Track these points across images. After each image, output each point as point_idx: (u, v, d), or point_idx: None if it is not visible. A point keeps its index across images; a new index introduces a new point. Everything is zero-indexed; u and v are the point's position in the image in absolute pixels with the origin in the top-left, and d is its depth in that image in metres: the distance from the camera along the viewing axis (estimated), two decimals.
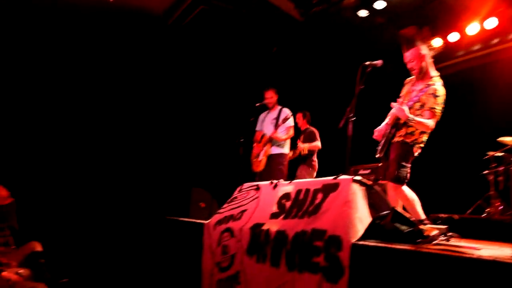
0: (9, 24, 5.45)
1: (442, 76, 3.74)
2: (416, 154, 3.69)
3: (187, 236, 4.22)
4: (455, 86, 6.83)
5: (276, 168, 5.44)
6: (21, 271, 3.53)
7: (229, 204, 3.91)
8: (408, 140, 3.65)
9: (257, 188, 3.74)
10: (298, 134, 6.30)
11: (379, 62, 3.82)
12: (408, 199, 3.53)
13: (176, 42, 6.84)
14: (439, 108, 3.54)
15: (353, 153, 3.73)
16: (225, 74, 7.34)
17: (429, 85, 3.58)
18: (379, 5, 6.26)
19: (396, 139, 3.73)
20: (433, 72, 3.73)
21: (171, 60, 6.89)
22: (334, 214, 2.69)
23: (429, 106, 3.54)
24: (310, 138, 6.09)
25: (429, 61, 3.73)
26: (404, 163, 3.60)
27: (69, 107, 5.93)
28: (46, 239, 4.30)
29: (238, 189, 4.05)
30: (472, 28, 6.32)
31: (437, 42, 6.88)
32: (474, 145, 6.23)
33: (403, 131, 3.69)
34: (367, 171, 6.06)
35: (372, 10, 6.39)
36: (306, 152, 5.95)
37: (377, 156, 3.79)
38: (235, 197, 3.94)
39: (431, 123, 3.51)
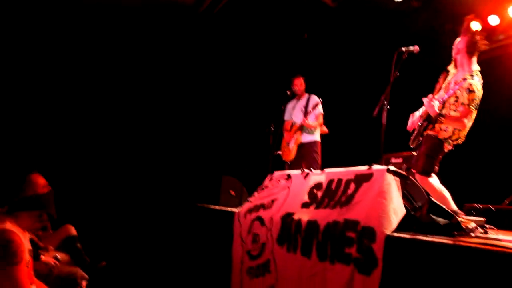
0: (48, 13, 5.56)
1: (481, 61, 3.57)
2: (446, 150, 3.59)
3: (218, 224, 4.24)
4: (494, 70, 6.57)
5: (310, 157, 5.37)
6: (58, 255, 3.64)
7: (260, 193, 3.90)
8: (440, 137, 3.53)
9: (288, 177, 3.71)
10: None
11: (415, 48, 3.69)
12: (436, 190, 3.42)
13: (208, 30, 6.82)
14: (473, 105, 3.39)
15: (385, 141, 3.65)
16: (255, 61, 7.28)
17: (465, 79, 3.45)
18: None
19: (429, 132, 3.61)
20: (474, 66, 3.56)
21: (203, 49, 6.88)
22: (368, 205, 2.63)
23: (462, 101, 3.43)
24: None
25: (473, 54, 3.57)
26: (432, 156, 3.52)
27: (102, 96, 6.04)
28: (81, 225, 4.44)
29: (268, 177, 4.03)
30: None
31: (475, 26, 6.59)
32: None
33: (437, 127, 3.57)
34: (399, 160, 5.90)
35: None
36: None
37: (410, 145, 3.69)
38: (266, 186, 3.92)
39: (466, 120, 3.39)
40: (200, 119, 6.87)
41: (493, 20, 6.35)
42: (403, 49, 3.73)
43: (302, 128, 5.52)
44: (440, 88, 3.81)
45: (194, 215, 4.98)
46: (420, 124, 3.68)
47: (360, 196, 2.77)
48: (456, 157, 4.11)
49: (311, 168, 3.57)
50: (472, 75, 3.48)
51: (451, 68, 3.78)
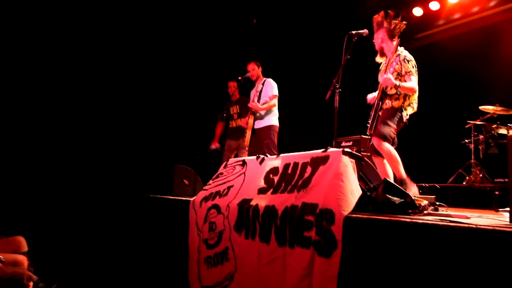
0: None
1: (423, 46, 3.79)
2: (405, 119, 3.68)
3: (172, 214, 4.12)
4: (436, 55, 6.85)
5: (263, 143, 5.21)
6: (1, 256, 3.38)
7: (215, 180, 3.81)
8: (395, 106, 3.64)
9: (243, 164, 3.64)
10: None
11: (365, 31, 3.74)
12: (392, 156, 3.53)
13: (154, 13, 6.54)
14: (414, 69, 3.67)
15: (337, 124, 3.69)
16: (203, 48, 7.10)
17: (398, 55, 3.71)
18: None
19: (384, 107, 3.71)
20: (399, 48, 3.78)
21: (149, 35, 6.60)
22: (325, 188, 2.61)
23: (405, 70, 3.66)
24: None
25: (395, 38, 3.84)
26: (389, 123, 3.61)
27: (42, 84, 5.65)
28: (29, 227, 4.16)
29: (223, 164, 3.95)
30: None
31: (417, 12, 6.83)
32: (456, 114, 6.26)
33: (387, 100, 3.70)
34: (349, 143, 6.03)
35: None
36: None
37: (368, 133, 3.74)
38: (221, 173, 3.84)
39: (414, 83, 3.64)
40: (149, 108, 6.62)
41: (434, 5, 6.59)
42: (353, 32, 3.76)
43: (254, 113, 5.43)
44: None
45: (147, 207, 4.81)
46: (376, 105, 3.73)
47: (317, 179, 2.76)
48: (405, 138, 4.24)
49: (266, 154, 3.52)
50: (400, 51, 3.76)
51: (378, 58, 3.97)
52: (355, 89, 4.89)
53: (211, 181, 3.85)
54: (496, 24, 6.45)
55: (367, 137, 5.79)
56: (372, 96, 4.00)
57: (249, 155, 5.12)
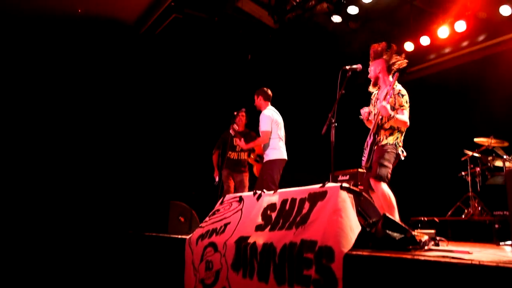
0: None
1: (416, 79, 3.86)
2: (402, 156, 3.74)
3: (167, 253, 4.04)
4: (429, 88, 6.98)
5: (260, 179, 5.08)
6: None
7: (211, 217, 3.76)
8: (391, 142, 3.68)
9: (240, 200, 3.61)
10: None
11: (358, 67, 3.81)
12: (386, 197, 3.53)
13: (150, 51, 6.67)
14: (407, 105, 3.71)
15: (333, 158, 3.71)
16: (200, 83, 7.20)
17: (393, 88, 3.74)
18: (352, 10, 6.29)
19: (380, 143, 3.74)
20: (392, 79, 3.84)
21: (145, 70, 6.71)
22: (324, 224, 2.59)
23: (399, 104, 3.70)
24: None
25: (386, 71, 3.91)
26: (385, 163, 3.62)
27: (38, 117, 5.69)
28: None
29: (219, 201, 3.91)
30: (443, 32, 6.41)
31: (408, 47, 6.99)
32: (451, 147, 6.31)
33: (383, 135, 3.73)
34: (346, 177, 6.04)
35: (345, 16, 6.42)
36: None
37: (364, 166, 3.76)
38: (217, 210, 3.80)
39: (406, 118, 3.67)
40: (144, 143, 6.62)
41: (425, 40, 6.76)
42: (347, 67, 3.83)
43: (252, 151, 5.41)
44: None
45: (141, 245, 4.71)
46: (370, 141, 3.77)
47: (316, 215, 2.73)
48: (402, 171, 4.25)
49: (264, 189, 3.50)
50: (392, 84, 3.77)
51: (371, 88, 4.01)
52: (350, 123, 4.93)
53: (207, 218, 3.80)
54: (486, 58, 6.62)
55: (363, 170, 5.80)
56: (365, 111, 3.99)
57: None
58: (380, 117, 3.75)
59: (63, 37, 5.93)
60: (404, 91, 3.76)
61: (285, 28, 6.83)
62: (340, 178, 6.03)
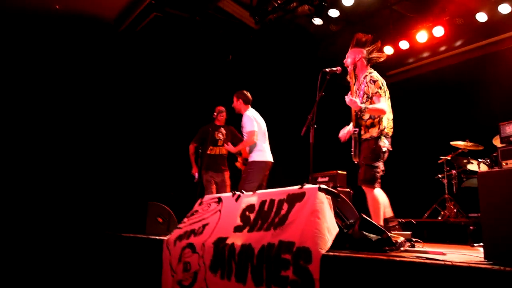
0: None
1: (395, 82, 3.90)
2: (384, 149, 3.64)
3: (145, 254, 4.00)
4: (408, 91, 7.12)
5: (241, 179, 5.04)
6: None
7: (190, 218, 3.74)
8: (374, 134, 3.65)
9: (219, 201, 3.61)
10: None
11: (338, 69, 3.84)
12: (373, 202, 3.54)
13: (129, 49, 6.60)
14: (382, 90, 3.68)
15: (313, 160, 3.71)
16: (179, 82, 7.16)
17: (365, 76, 3.78)
18: (333, 13, 6.36)
19: (363, 137, 3.74)
20: (367, 68, 3.88)
21: (124, 68, 6.63)
22: (302, 225, 2.61)
23: (372, 92, 3.69)
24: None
25: (364, 61, 3.90)
26: (373, 164, 3.61)
27: (17, 116, 5.58)
28: None
29: (198, 202, 3.90)
30: (422, 36, 6.54)
31: (387, 51, 7.10)
32: (428, 149, 6.44)
33: (363, 126, 3.74)
34: (325, 179, 6.09)
35: (326, 18, 6.48)
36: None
37: (355, 161, 3.77)
38: (196, 211, 3.78)
39: (382, 105, 3.64)
40: (121, 143, 6.55)
41: (404, 45, 6.89)
42: (327, 70, 3.86)
43: (239, 154, 5.38)
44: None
45: (118, 246, 4.66)
46: (355, 134, 3.78)
47: (294, 216, 2.75)
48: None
49: (243, 190, 3.51)
50: (370, 72, 3.82)
51: (349, 78, 4.00)
52: (330, 125, 4.98)
53: (185, 219, 3.78)
54: (463, 63, 6.79)
55: (343, 172, 5.87)
56: (343, 133, 4.03)
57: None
58: (353, 110, 3.77)
59: (39, 34, 5.81)
60: (376, 76, 3.73)
61: (266, 29, 6.85)
62: (319, 179, 6.08)
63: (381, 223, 3.52)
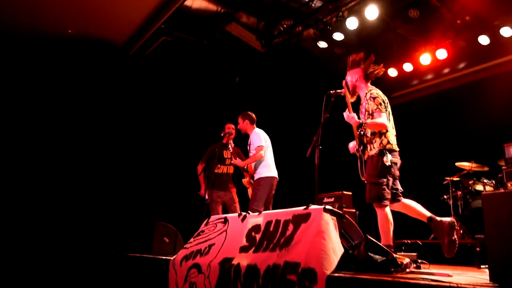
0: None
1: (399, 104, 3.90)
2: (388, 163, 3.53)
3: (151, 274, 3.98)
4: (412, 113, 7.13)
5: (251, 197, 5.05)
6: None
7: (196, 238, 3.74)
8: (377, 150, 3.60)
9: (225, 221, 3.61)
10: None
11: (343, 91, 3.87)
12: (382, 221, 3.48)
13: (139, 72, 6.71)
14: (382, 107, 3.64)
15: (318, 181, 3.70)
16: (187, 104, 7.24)
17: (365, 94, 3.78)
18: (338, 36, 6.44)
19: (367, 154, 3.72)
20: (367, 86, 3.87)
21: (133, 91, 6.74)
22: (307, 246, 2.60)
23: (372, 108, 3.66)
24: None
25: (363, 80, 3.90)
26: (376, 180, 3.53)
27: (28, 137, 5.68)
28: None
29: (204, 222, 3.90)
30: (425, 59, 6.59)
31: (391, 73, 7.15)
32: (433, 170, 6.40)
33: (367, 143, 3.72)
34: (331, 199, 6.06)
35: (331, 41, 6.57)
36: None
37: (363, 180, 3.75)
38: (202, 231, 3.78)
39: (381, 119, 3.58)
40: (130, 161, 6.59)
41: (407, 67, 6.94)
42: (331, 92, 3.89)
43: (245, 170, 5.37)
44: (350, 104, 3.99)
45: (124, 266, 4.64)
46: (359, 152, 3.78)
47: (299, 237, 2.74)
48: None
49: (249, 211, 3.51)
50: (370, 90, 3.79)
51: (351, 99, 4.00)
52: (335, 146, 4.99)
53: (192, 239, 3.78)
54: (466, 84, 6.82)
55: (348, 193, 5.85)
56: (353, 144, 4.01)
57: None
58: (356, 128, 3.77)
59: (52, 57, 5.97)
60: (376, 93, 3.72)
61: (272, 52, 6.97)
62: (325, 200, 6.05)
63: (391, 242, 3.47)
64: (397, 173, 3.66)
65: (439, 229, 3.49)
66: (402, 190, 3.70)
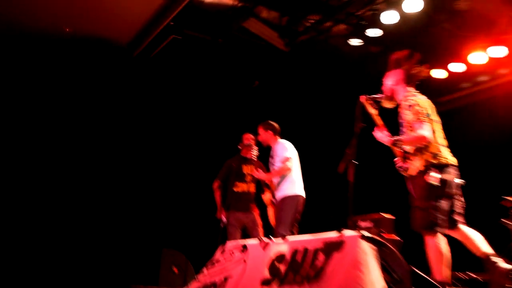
0: None
1: (447, 110, 3.79)
2: (435, 183, 3.38)
3: None
4: (463, 121, 6.99)
5: (276, 218, 4.97)
6: None
7: (210, 268, 3.73)
8: (420, 168, 3.49)
9: (244, 249, 3.58)
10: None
11: (380, 96, 3.80)
12: (434, 253, 3.34)
13: (144, 74, 6.79)
14: (422, 116, 3.51)
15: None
16: (199, 112, 7.28)
17: (404, 104, 3.67)
18: (373, 32, 6.38)
19: (409, 173, 3.63)
20: (408, 91, 3.76)
21: (137, 98, 6.82)
22: (341, 280, 2.55)
23: (411, 119, 3.54)
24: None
25: (404, 83, 3.79)
26: (422, 204, 3.41)
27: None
28: None
29: (220, 249, 3.88)
30: (478, 58, 6.47)
31: (439, 74, 7.03)
32: (487, 189, 6.24)
33: (409, 160, 3.61)
34: (368, 224, 5.93)
35: (365, 38, 6.51)
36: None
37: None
38: (217, 260, 3.77)
39: (422, 131, 3.44)
40: (133, 176, 6.65)
41: (457, 67, 6.83)
42: (367, 96, 3.83)
43: (267, 185, 5.30)
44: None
45: None
46: (401, 171, 3.69)
47: (332, 269, 2.70)
48: None
49: (271, 236, 3.47)
50: (406, 96, 3.68)
51: (387, 104, 3.90)
52: (373, 160, 4.92)
53: (205, 270, 3.77)
54: None
55: (389, 216, 5.71)
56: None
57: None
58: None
59: (48, 58, 6.14)
60: (413, 100, 3.59)
61: (297, 52, 6.94)
62: (360, 223, 5.94)
63: (445, 277, 3.34)
64: (453, 192, 3.52)
65: (494, 274, 3.34)
66: (461, 213, 3.57)
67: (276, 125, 5.37)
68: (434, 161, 3.49)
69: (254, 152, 5.41)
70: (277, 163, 5.08)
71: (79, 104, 6.38)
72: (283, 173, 5.00)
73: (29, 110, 6.04)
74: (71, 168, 6.18)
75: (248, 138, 5.64)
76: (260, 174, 5.18)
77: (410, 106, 3.58)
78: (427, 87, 3.96)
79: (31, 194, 5.79)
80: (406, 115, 3.62)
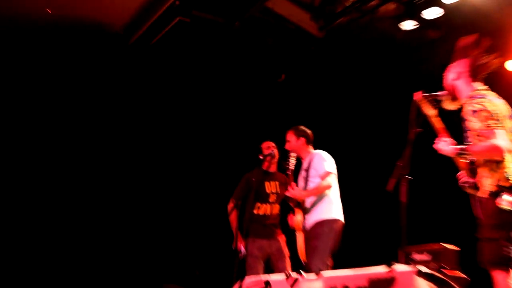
0: None
1: None
2: (506, 207, 3.34)
3: None
4: None
5: (308, 248, 4.95)
6: None
7: None
8: (490, 189, 3.48)
9: (267, 286, 3.58)
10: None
11: (442, 93, 3.78)
12: None
13: (142, 67, 6.87)
14: (491, 122, 3.45)
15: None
16: (211, 113, 7.33)
17: (467, 108, 3.61)
18: (432, 13, 6.34)
19: (480, 193, 3.58)
20: (475, 86, 3.72)
21: (134, 94, 6.91)
22: None
23: (478, 127, 3.49)
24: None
25: (477, 78, 3.75)
26: (493, 235, 3.36)
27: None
28: None
29: (236, 286, 3.89)
30: None
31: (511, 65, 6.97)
32: None
33: (479, 176, 3.57)
34: (425, 256, 5.88)
35: (421, 21, 6.48)
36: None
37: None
38: None
39: (495, 141, 3.38)
40: (130, 194, 6.73)
41: None
42: (424, 95, 3.81)
43: (299, 205, 5.26)
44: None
45: None
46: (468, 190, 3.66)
47: None
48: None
49: (301, 270, 3.46)
50: (471, 96, 3.63)
51: (447, 105, 3.86)
52: (431, 175, 4.87)
53: None
54: None
55: (452, 247, 5.64)
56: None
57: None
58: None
59: (36, 46, 6.30)
60: (480, 103, 3.53)
61: (333, 37, 6.95)
62: (414, 256, 5.89)
63: None
64: None
65: None
66: None
67: (309, 132, 5.36)
68: (506, 183, 3.46)
69: (292, 160, 5.35)
70: (313, 178, 5.07)
71: (68, 99, 6.52)
72: (322, 191, 4.99)
73: (17, 103, 6.28)
74: (68, 169, 6.33)
75: (269, 146, 5.64)
76: (296, 191, 5.10)
77: (474, 112, 3.53)
78: (499, 82, 3.91)
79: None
80: (471, 122, 3.58)
